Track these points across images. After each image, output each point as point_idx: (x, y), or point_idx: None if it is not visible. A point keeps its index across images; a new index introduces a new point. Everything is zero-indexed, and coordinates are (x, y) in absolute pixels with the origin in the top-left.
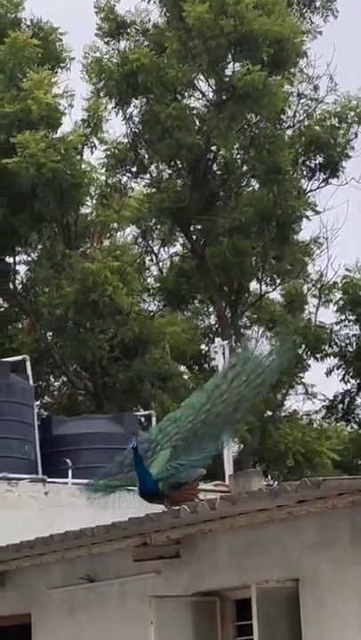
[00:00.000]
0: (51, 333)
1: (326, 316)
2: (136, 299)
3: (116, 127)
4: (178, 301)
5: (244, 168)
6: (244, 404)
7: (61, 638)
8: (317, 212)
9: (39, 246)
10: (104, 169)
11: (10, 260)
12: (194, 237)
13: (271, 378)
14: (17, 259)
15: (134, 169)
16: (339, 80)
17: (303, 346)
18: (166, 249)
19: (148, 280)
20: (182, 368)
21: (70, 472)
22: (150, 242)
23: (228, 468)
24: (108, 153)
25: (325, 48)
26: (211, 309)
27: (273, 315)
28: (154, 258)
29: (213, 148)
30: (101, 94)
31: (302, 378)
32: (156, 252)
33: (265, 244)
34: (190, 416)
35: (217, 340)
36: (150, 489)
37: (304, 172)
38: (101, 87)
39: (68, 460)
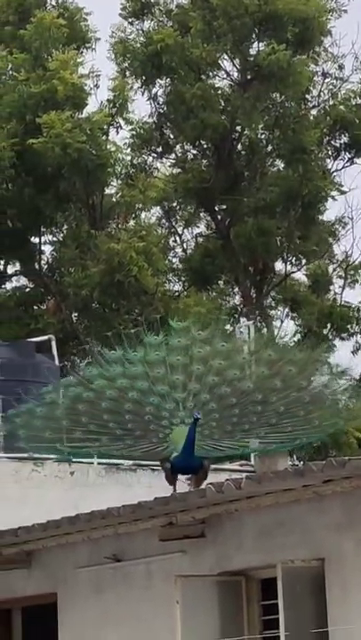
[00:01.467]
0: (76, 314)
1: (352, 296)
2: (161, 279)
3: (141, 107)
4: (203, 281)
5: (269, 148)
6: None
7: (87, 618)
8: (343, 192)
9: (65, 227)
10: (129, 149)
11: (35, 240)
12: (219, 217)
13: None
14: (42, 239)
15: (159, 149)
16: None
17: (328, 325)
18: (190, 229)
19: (173, 260)
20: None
21: None
22: (174, 222)
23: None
24: (134, 133)
25: (350, 27)
26: (236, 289)
27: (298, 295)
28: (178, 238)
29: (238, 127)
30: (127, 74)
31: (328, 357)
32: (179, 232)
33: (290, 224)
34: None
35: (242, 319)
36: (195, 466)
37: (329, 152)
38: (127, 67)
39: None
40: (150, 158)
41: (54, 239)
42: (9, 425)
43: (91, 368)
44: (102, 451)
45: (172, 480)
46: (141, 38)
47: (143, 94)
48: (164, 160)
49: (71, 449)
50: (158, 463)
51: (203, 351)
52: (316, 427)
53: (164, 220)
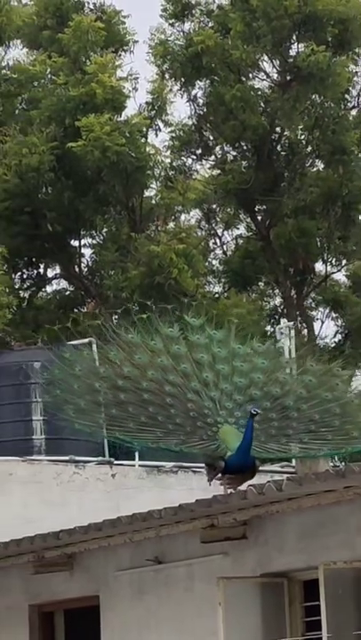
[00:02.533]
0: (116, 316)
1: None
2: (201, 281)
3: (180, 109)
4: (243, 283)
5: (309, 149)
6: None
7: (129, 620)
8: None
9: (104, 229)
10: (168, 151)
11: (75, 243)
12: (259, 219)
13: None
14: (82, 242)
15: (199, 151)
16: None
17: None
18: (230, 231)
19: (213, 262)
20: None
21: (137, 454)
22: (214, 224)
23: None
24: (173, 135)
25: None
26: (276, 290)
27: (338, 295)
28: (217, 240)
29: (278, 128)
30: (166, 76)
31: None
32: (219, 234)
33: (330, 225)
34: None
35: (283, 321)
36: (249, 465)
37: None
38: (166, 69)
39: None
40: (190, 160)
41: (94, 242)
42: (48, 385)
43: (133, 333)
44: (161, 445)
45: (213, 478)
46: (179, 41)
47: (182, 96)
48: (204, 162)
49: (130, 437)
50: (205, 463)
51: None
52: (355, 437)
53: (203, 222)
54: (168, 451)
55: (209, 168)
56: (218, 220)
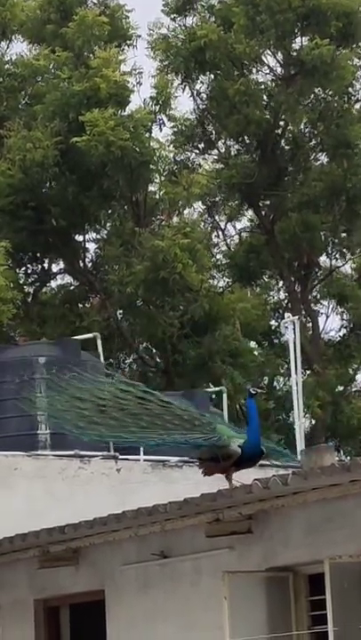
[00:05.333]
0: (121, 311)
1: None
2: (205, 275)
3: (183, 103)
4: (247, 277)
5: (313, 142)
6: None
7: (135, 614)
8: None
9: (109, 224)
10: (172, 145)
11: (79, 238)
12: (263, 213)
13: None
14: (87, 237)
15: (202, 145)
16: None
17: None
18: (234, 224)
19: (217, 256)
20: (252, 344)
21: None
22: (217, 217)
23: (300, 444)
24: (176, 130)
25: None
26: (280, 285)
27: (343, 289)
28: (220, 234)
29: (282, 122)
30: (168, 71)
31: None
32: (222, 227)
33: (334, 219)
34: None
35: (287, 315)
36: (261, 452)
37: None
38: (168, 64)
39: None
40: (193, 154)
41: (98, 237)
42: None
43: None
44: (167, 439)
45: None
46: (181, 36)
47: (184, 91)
48: (207, 156)
49: (136, 437)
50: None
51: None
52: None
53: (206, 216)
54: (175, 445)
55: (212, 162)
56: (220, 213)
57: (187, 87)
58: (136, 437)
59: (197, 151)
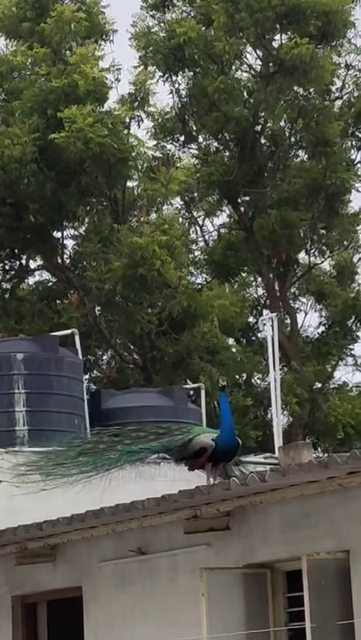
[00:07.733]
0: (99, 308)
1: None
2: (184, 272)
3: (163, 99)
4: (225, 274)
5: (292, 140)
6: None
7: (113, 611)
8: None
9: (87, 221)
10: (151, 138)
11: (58, 234)
12: (242, 209)
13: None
14: (65, 233)
15: (183, 138)
16: None
17: (353, 317)
18: (212, 221)
19: (196, 253)
20: (231, 341)
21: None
22: (195, 213)
23: (278, 441)
24: (155, 123)
25: None
26: (259, 281)
27: (322, 286)
28: (198, 230)
29: (261, 120)
30: (149, 64)
31: (352, 350)
32: (200, 224)
33: (313, 216)
34: None
35: (265, 312)
36: (237, 446)
37: (353, 143)
38: (148, 60)
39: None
40: (173, 148)
41: (76, 233)
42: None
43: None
44: (152, 446)
45: (203, 466)
46: (162, 33)
47: (165, 84)
48: (187, 151)
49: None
50: (181, 458)
51: None
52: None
53: (184, 211)
54: (154, 452)
55: (192, 157)
56: (199, 208)
57: (165, 82)
58: (119, 455)
59: (177, 144)
